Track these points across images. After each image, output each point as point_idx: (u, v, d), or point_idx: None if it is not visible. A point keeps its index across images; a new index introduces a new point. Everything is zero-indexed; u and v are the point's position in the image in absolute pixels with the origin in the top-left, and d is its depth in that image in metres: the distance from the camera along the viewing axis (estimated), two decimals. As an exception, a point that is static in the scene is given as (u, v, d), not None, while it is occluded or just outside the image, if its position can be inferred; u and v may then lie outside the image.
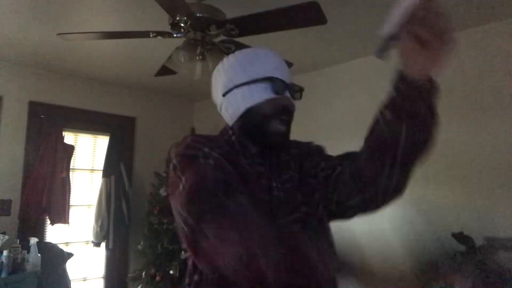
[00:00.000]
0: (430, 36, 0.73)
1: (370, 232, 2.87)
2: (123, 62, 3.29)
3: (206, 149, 0.87)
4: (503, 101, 2.32)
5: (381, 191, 0.89)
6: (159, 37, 2.02)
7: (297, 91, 0.99)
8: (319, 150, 1.08)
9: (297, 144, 1.07)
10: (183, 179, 0.83)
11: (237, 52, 1.02)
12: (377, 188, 0.88)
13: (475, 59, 2.46)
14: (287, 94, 0.97)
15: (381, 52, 0.76)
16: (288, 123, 0.97)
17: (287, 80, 0.97)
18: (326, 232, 1.00)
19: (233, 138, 0.98)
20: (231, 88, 0.96)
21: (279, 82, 0.94)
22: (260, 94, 0.94)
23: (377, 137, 0.86)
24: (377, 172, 0.86)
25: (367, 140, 0.89)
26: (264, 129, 0.94)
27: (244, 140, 0.97)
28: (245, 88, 0.94)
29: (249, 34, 1.97)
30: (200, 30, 1.95)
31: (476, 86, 2.44)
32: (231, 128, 0.99)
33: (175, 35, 2.01)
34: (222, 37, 2.06)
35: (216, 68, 1.03)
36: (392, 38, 0.75)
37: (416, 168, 0.89)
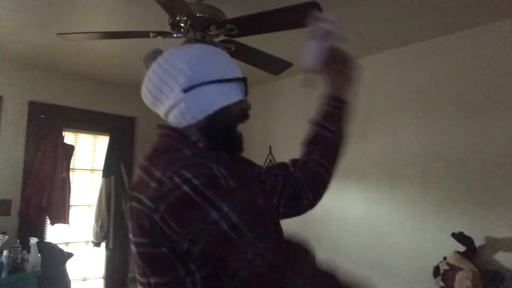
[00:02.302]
0: (347, 70, 1.07)
1: (370, 233, 2.87)
2: (123, 62, 3.29)
3: (214, 166, 0.79)
4: (502, 101, 2.32)
5: (326, 188, 1.10)
6: (159, 37, 2.02)
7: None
8: None
9: None
10: (227, 206, 0.74)
11: (192, 46, 0.99)
12: (326, 186, 1.10)
13: (473, 60, 2.46)
14: None
15: (307, 82, 1.07)
16: None
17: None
18: None
19: (200, 144, 0.88)
20: (198, 84, 0.88)
21: (247, 84, 0.94)
22: (232, 94, 0.91)
23: (324, 144, 1.07)
24: (328, 172, 1.08)
25: (314, 148, 1.08)
26: (234, 131, 0.93)
27: (215, 146, 0.90)
28: (216, 86, 0.89)
29: (249, 34, 1.97)
30: (200, 30, 1.95)
31: (475, 86, 2.44)
32: (188, 132, 0.89)
33: (175, 35, 2.01)
34: (222, 37, 2.06)
35: (164, 60, 0.92)
36: (312, 71, 1.07)
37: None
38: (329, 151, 1.07)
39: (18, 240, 2.84)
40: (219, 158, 0.85)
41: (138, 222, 0.79)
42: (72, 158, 3.53)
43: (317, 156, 1.06)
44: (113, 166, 3.74)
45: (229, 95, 0.90)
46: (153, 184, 0.76)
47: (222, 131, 0.90)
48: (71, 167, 3.51)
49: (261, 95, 3.62)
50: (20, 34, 2.69)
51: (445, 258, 2.28)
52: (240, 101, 0.92)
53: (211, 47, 0.96)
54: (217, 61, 0.92)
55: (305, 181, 1.06)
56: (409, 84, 2.77)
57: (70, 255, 3.16)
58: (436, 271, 2.29)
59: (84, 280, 3.66)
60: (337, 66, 1.07)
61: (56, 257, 3.04)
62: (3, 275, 2.57)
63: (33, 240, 2.83)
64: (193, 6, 1.88)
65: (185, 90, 0.87)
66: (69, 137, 3.59)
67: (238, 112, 0.92)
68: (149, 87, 0.94)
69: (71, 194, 3.44)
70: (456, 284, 2.13)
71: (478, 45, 2.46)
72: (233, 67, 0.94)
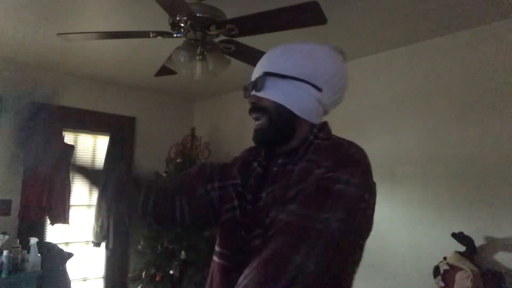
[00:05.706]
0: None
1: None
2: (123, 62, 3.29)
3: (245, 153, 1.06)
4: (503, 101, 2.32)
5: None
6: (159, 37, 2.02)
7: (253, 84, 0.94)
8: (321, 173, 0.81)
9: (320, 153, 0.86)
10: None
11: None
12: None
13: (474, 59, 2.46)
14: (253, 92, 0.94)
15: None
16: (260, 119, 0.92)
17: (254, 78, 0.95)
18: None
19: None
20: None
21: (246, 85, 0.97)
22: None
23: None
24: None
25: None
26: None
27: None
28: None
29: (249, 34, 1.97)
30: (200, 30, 1.95)
31: (475, 86, 2.44)
32: None
33: (175, 35, 2.01)
34: (222, 37, 2.06)
35: None
36: None
37: None
38: None
39: (18, 240, 2.84)
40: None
41: None
42: (72, 158, 3.53)
43: None
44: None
45: None
46: None
47: None
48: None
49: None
50: (20, 34, 2.69)
51: (445, 258, 2.28)
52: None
53: (280, 47, 0.96)
54: None
55: None
56: (409, 84, 2.77)
57: (70, 255, 3.16)
58: (436, 271, 2.29)
59: (84, 280, 3.66)
60: None
61: (56, 257, 3.04)
62: (3, 275, 2.57)
63: (33, 240, 2.83)
64: (193, 6, 1.88)
65: None
66: (69, 137, 3.59)
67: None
68: None
69: (71, 194, 3.44)
70: (456, 284, 2.13)
71: (478, 45, 2.46)
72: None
